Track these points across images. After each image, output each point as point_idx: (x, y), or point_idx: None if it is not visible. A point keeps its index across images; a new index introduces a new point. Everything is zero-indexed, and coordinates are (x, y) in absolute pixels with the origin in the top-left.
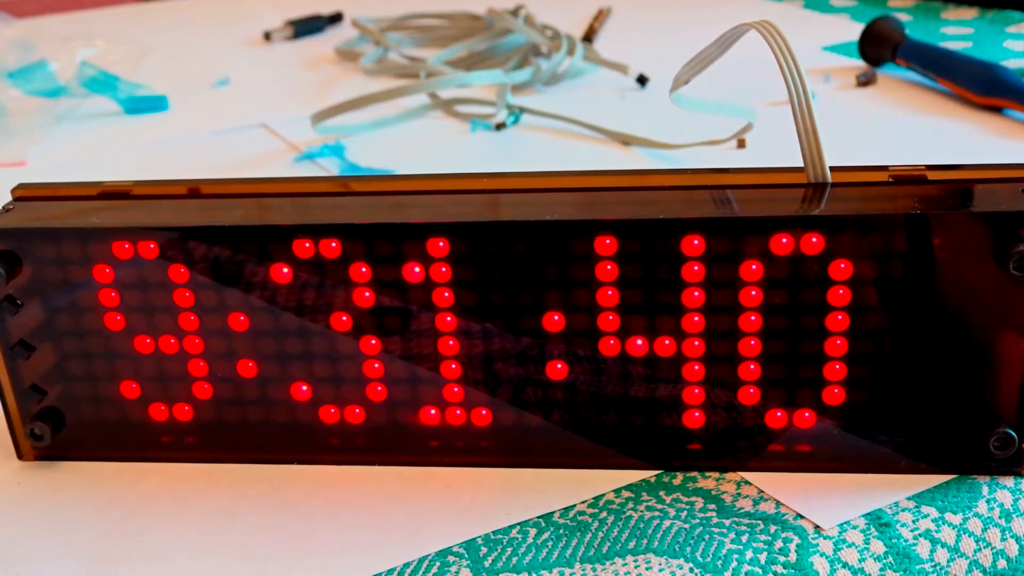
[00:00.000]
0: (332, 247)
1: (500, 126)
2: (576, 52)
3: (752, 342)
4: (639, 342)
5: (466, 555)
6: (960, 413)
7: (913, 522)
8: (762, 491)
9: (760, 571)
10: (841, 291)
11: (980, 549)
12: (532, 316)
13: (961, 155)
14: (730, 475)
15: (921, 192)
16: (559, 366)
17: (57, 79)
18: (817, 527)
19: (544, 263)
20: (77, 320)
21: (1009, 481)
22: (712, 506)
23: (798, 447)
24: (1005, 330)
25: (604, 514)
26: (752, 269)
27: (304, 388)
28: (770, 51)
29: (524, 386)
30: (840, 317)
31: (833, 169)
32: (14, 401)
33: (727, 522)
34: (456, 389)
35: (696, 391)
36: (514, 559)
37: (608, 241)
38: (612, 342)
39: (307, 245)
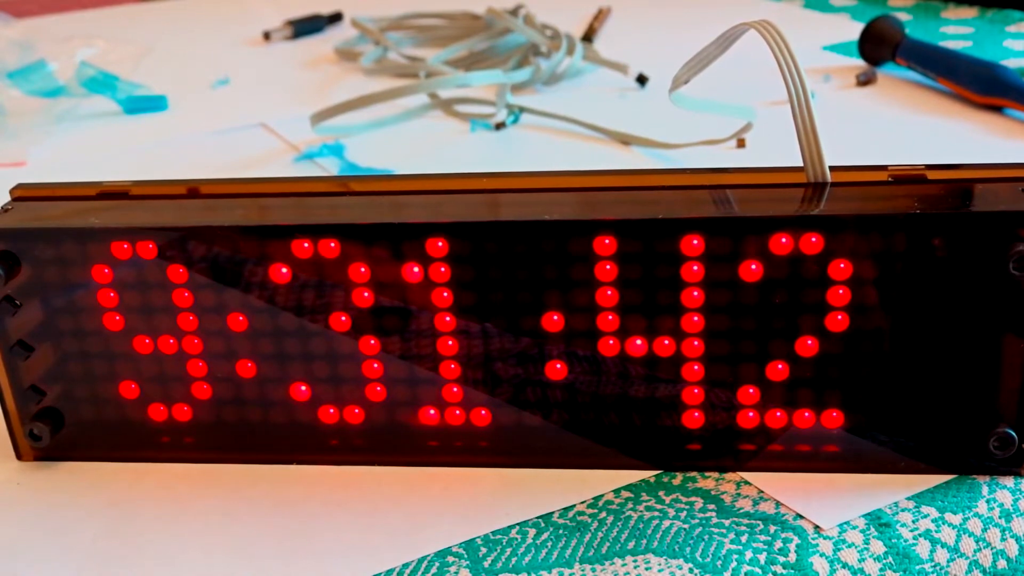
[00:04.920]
0: (331, 247)
1: (500, 126)
2: (576, 52)
3: (751, 342)
4: (638, 342)
5: (465, 555)
6: (960, 413)
7: (913, 522)
8: (762, 491)
9: (760, 571)
10: (841, 291)
11: (980, 549)
12: (531, 316)
13: (961, 155)
14: (730, 475)
15: (921, 192)
16: (558, 366)
17: (57, 79)
18: (817, 527)
19: (543, 263)
20: (76, 320)
21: (1009, 481)
22: (712, 506)
23: (798, 447)
24: (1005, 330)
25: (603, 514)
26: (752, 269)
27: (303, 388)
28: (770, 51)
29: (523, 386)
30: (840, 317)
31: (833, 169)
32: (13, 401)
33: (727, 522)
34: (455, 389)
35: (696, 391)
36: (513, 559)
37: (607, 241)
38: (611, 342)
39: (306, 245)
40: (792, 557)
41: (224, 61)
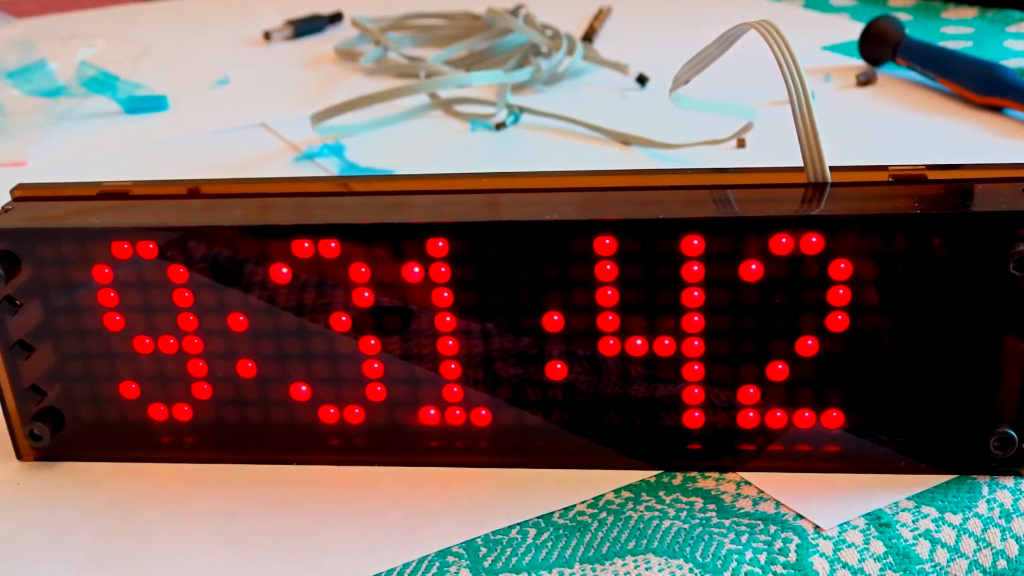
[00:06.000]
0: (331, 247)
1: (500, 126)
2: (576, 52)
3: (752, 342)
4: (639, 342)
5: (465, 555)
6: (960, 413)
7: (913, 522)
8: (762, 491)
9: (760, 571)
10: (841, 291)
11: (980, 549)
12: (532, 316)
13: (961, 155)
14: (730, 475)
15: (921, 192)
16: (559, 366)
17: (57, 79)
18: (817, 527)
19: (544, 263)
20: (76, 320)
21: (1009, 481)
22: (712, 506)
23: (798, 447)
24: (1005, 330)
25: (604, 514)
26: (752, 269)
27: (303, 388)
28: (770, 51)
29: (524, 386)
30: (840, 317)
31: (833, 169)
32: (13, 401)
33: (727, 522)
34: (455, 389)
35: (696, 391)
36: (514, 559)
37: (608, 241)
38: (612, 342)
39: (306, 245)
40: (792, 557)
41: (224, 61)
